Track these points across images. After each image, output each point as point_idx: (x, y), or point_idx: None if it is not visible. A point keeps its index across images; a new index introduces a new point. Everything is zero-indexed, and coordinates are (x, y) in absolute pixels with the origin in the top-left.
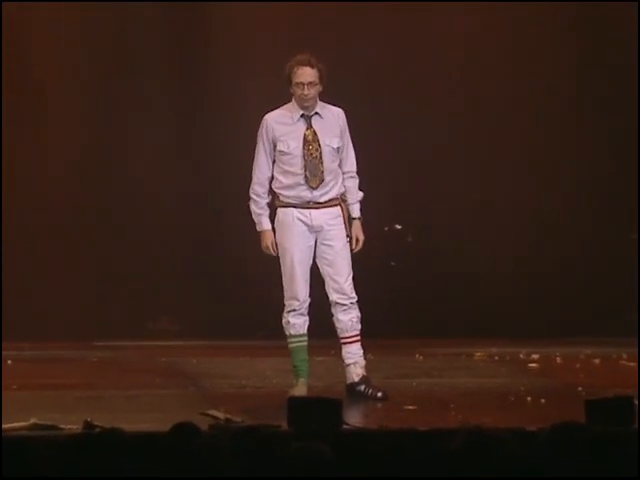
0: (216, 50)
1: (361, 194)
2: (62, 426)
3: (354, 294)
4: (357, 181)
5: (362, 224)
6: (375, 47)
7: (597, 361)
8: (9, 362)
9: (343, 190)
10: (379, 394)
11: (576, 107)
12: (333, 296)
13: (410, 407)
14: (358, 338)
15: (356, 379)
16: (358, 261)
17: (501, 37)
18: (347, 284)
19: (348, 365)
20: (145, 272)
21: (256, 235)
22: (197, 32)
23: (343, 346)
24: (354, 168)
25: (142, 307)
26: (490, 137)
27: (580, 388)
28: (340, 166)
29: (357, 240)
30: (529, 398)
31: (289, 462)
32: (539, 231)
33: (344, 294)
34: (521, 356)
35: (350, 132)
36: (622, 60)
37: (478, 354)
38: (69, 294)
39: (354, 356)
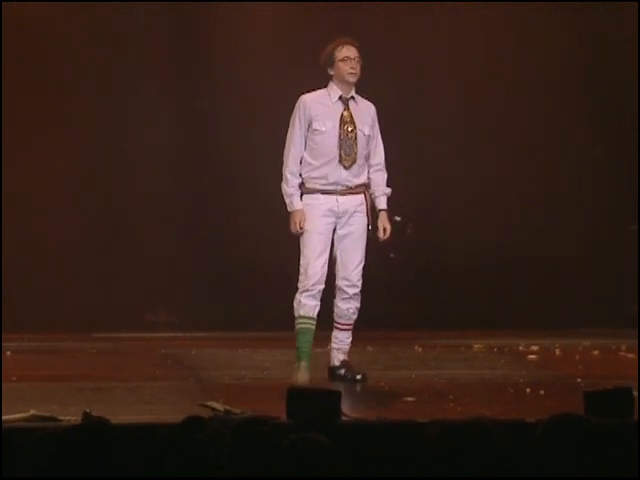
0: (219, 51)
1: (389, 189)
2: (61, 417)
3: (360, 283)
4: (385, 175)
5: (389, 216)
6: (376, 46)
7: (596, 352)
8: (8, 353)
9: (368, 181)
10: (358, 376)
11: (576, 105)
12: (339, 282)
13: (409, 399)
14: (350, 327)
15: (337, 363)
16: None
17: (502, 37)
18: (356, 271)
19: (332, 349)
20: (144, 264)
21: (256, 227)
22: (199, 33)
23: (334, 330)
24: (382, 161)
25: (141, 299)
26: (491, 130)
27: (579, 379)
28: (368, 158)
29: (385, 229)
30: (528, 390)
31: (288, 453)
32: (539, 223)
33: (349, 281)
34: (520, 348)
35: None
36: (623, 60)
37: (477, 346)
38: (68, 286)
39: (340, 343)
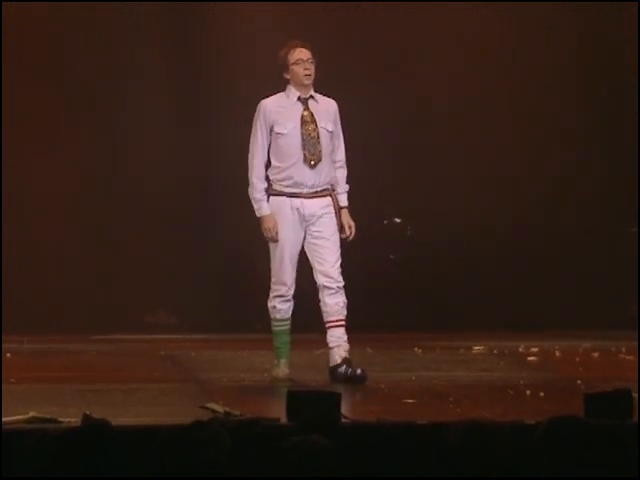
0: (219, 52)
1: (347, 186)
2: (61, 419)
3: (341, 279)
4: (345, 172)
5: (349, 212)
6: (377, 44)
7: (596, 354)
8: (8, 355)
9: (334, 180)
10: (358, 371)
11: (576, 105)
12: (321, 280)
13: (409, 400)
14: (343, 323)
15: (338, 361)
16: (357, 254)
17: (502, 37)
18: (334, 269)
19: (332, 348)
20: (143, 265)
21: (255, 227)
22: (199, 34)
23: (328, 330)
24: (344, 158)
25: (141, 300)
26: (492, 131)
27: (579, 381)
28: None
29: (349, 226)
30: (528, 392)
31: (288, 455)
32: (539, 224)
33: (331, 278)
34: (520, 349)
35: (348, 128)
36: (624, 59)
37: (477, 347)
38: (68, 287)
39: (338, 340)
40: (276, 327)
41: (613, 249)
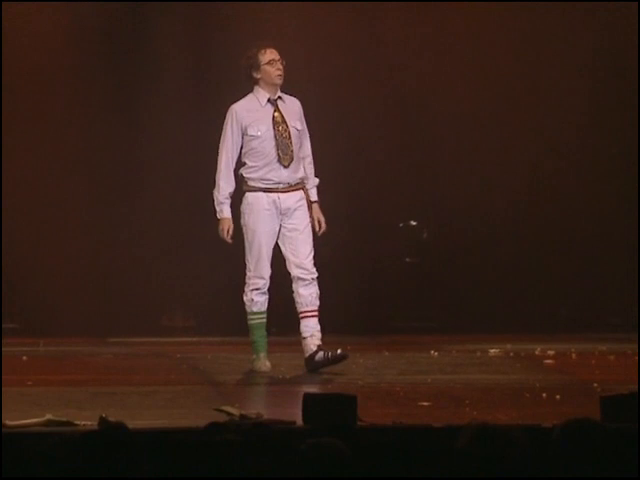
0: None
1: (317, 180)
2: (77, 422)
3: (315, 270)
4: (313, 167)
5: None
6: (384, 47)
7: (612, 357)
8: (24, 358)
9: (304, 175)
10: (338, 351)
11: (579, 107)
12: (295, 271)
13: (425, 403)
14: (316, 313)
15: (314, 349)
16: (372, 257)
17: (504, 37)
18: (308, 260)
19: (305, 338)
20: (160, 268)
21: None
22: (206, 33)
23: (301, 320)
24: (310, 153)
25: (157, 303)
26: (509, 137)
27: (595, 384)
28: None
29: (320, 221)
30: (544, 394)
31: (303, 458)
32: (556, 227)
33: (305, 269)
34: (536, 352)
35: (363, 133)
36: (628, 60)
37: (493, 350)
38: (84, 291)
39: (311, 329)
40: (253, 320)
41: (631, 252)
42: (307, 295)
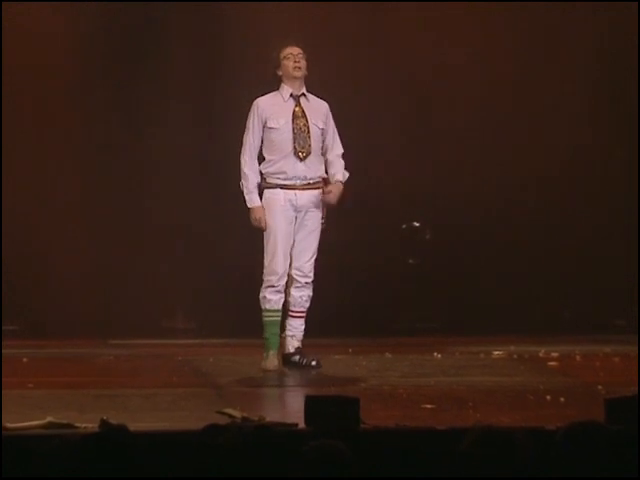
0: (233, 57)
1: (347, 174)
2: (78, 424)
3: (311, 275)
4: (343, 163)
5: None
6: (393, 50)
7: (617, 359)
8: (25, 360)
9: (325, 175)
10: (313, 362)
11: (580, 105)
12: (292, 271)
13: (428, 406)
14: (303, 315)
15: (291, 350)
16: (375, 258)
17: (505, 37)
18: (308, 264)
19: (286, 337)
20: (161, 270)
21: None
22: (212, 34)
23: (288, 318)
24: (341, 152)
25: (158, 305)
26: (513, 137)
27: (600, 386)
28: (326, 152)
29: (330, 191)
30: (548, 397)
31: (306, 461)
32: (559, 229)
33: (302, 272)
34: (540, 354)
35: (367, 131)
36: (628, 60)
37: (497, 352)
38: (85, 292)
39: (294, 330)
40: (266, 318)
41: (636, 253)
42: (297, 297)
